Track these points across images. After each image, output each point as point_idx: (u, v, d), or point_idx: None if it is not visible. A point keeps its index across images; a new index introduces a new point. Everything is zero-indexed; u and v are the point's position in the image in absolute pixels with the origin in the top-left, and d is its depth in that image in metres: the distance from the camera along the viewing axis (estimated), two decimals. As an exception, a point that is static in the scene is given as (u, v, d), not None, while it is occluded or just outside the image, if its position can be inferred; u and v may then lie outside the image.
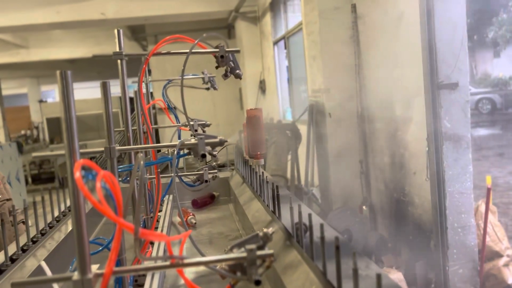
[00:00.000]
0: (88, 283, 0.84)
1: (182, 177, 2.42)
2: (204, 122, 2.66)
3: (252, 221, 2.13)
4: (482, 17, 11.08)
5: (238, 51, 1.69)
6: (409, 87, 3.39)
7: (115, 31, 1.58)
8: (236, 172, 3.17)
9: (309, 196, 3.47)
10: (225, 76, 1.75)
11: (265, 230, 1.07)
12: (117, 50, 1.58)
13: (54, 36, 11.23)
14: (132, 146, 1.28)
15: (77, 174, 0.75)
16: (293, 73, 7.19)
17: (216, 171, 2.33)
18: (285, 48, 7.47)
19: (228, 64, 1.73)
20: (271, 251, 1.00)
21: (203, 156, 1.33)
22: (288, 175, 4.76)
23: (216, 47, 1.68)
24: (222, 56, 1.62)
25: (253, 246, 0.98)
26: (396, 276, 2.95)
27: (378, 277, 0.87)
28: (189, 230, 1.00)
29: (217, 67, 1.74)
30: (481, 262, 3.15)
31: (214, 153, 1.50)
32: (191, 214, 2.53)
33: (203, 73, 2.95)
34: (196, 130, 2.45)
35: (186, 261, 0.95)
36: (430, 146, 3.08)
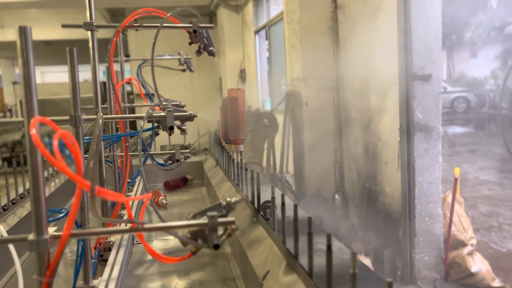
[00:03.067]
0: (44, 244, 0.83)
1: (154, 158, 2.40)
2: (178, 103, 2.63)
3: (226, 196, 2.14)
4: (461, 17, 11.28)
5: (211, 27, 1.68)
6: (384, 78, 3.43)
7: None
8: (210, 156, 3.17)
9: (283, 183, 3.50)
10: (198, 52, 1.74)
11: (228, 199, 1.08)
12: (88, 20, 1.55)
13: (30, 16, 10.91)
14: (109, 116, 1.27)
15: (33, 130, 0.74)
16: (274, 64, 7.18)
17: (188, 151, 2.32)
18: (266, 38, 7.45)
19: (201, 41, 1.71)
20: (232, 218, 1.01)
21: (171, 128, 1.33)
22: (264, 163, 4.78)
23: (190, 23, 1.66)
24: (195, 31, 1.60)
25: (214, 213, 0.99)
26: (364, 262, 3.01)
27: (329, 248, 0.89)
28: (149, 193, 1.00)
29: (190, 43, 1.73)
30: (446, 250, 3.24)
31: (184, 127, 1.50)
32: (162, 195, 2.53)
33: (179, 54, 2.92)
34: (169, 111, 2.43)
35: (146, 225, 0.96)
36: (402, 136, 3.14)
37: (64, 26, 1.59)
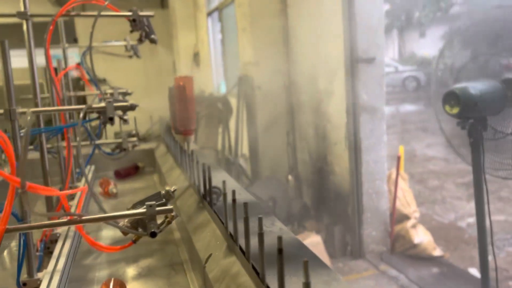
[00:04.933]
0: (-23, 239, 0.84)
1: (103, 146, 2.38)
2: (125, 91, 2.61)
3: (177, 184, 2.17)
4: (409, -1, 11.64)
5: (151, 16, 1.68)
6: (332, 61, 3.53)
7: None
8: (161, 143, 3.17)
9: (236, 166, 3.55)
10: (140, 41, 1.73)
11: (167, 188, 1.11)
12: (22, 9, 1.51)
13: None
14: (35, 109, 1.25)
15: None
16: (228, 47, 7.15)
17: (135, 139, 2.32)
18: (219, 20, 7.39)
19: (142, 29, 1.71)
20: (170, 207, 1.05)
21: (111, 119, 1.33)
22: (219, 147, 4.81)
23: (130, 11, 1.65)
24: (134, 20, 1.60)
25: (152, 202, 1.02)
26: (315, 239, 3.14)
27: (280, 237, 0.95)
28: (84, 186, 1.01)
29: (131, 31, 1.72)
30: (391, 224, 3.43)
31: (125, 117, 1.51)
32: (112, 183, 2.51)
33: (125, 39, 2.86)
34: (115, 99, 2.40)
35: (84, 217, 0.98)
36: (349, 117, 3.26)
37: (-3, 15, 1.54)
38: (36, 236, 1.46)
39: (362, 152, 3.26)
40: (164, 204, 1.08)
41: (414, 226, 3.47)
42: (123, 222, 1.05)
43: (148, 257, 1.63)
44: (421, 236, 3.42)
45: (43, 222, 0.96)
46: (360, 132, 3.24)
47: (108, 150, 2.33)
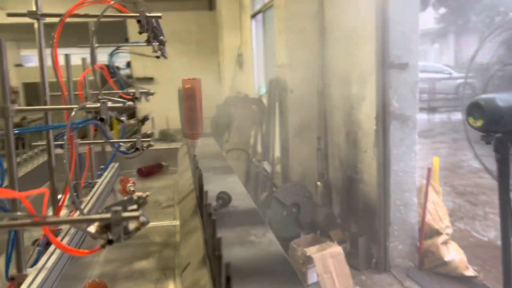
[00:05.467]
0: None
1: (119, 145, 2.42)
2: (147, 91, 2.64)
3: (180, 189, 2.17)
4: (467, 2, 11.05)
5: (159, 17, 1.67)
6: (364, 66, 3.40)
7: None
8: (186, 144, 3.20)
9: (259, 170, 3.51)
10: (148, 42, 1.74)
11: (140, 193, 1.09)
12: (33, 8, 1.55)
13: (30, -1, 10.91)
14: (31, 107, 1.28)
15: None
16: (269, 50, 7.13)
17: (150, 139, 2.34)
18: (262, 22, 7.38)
19: (151, 30, 1.71)
20: (136, 213, 1.02)
21: (102, 120, 1.33)
22: (251, 149, 4.79)
23: (138, 12, 1.66)
24: (139, 21, 1.60)
25: (118, 208, 1.00)
26: (335, 249, 3.04)
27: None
28: (45, 188, 1.01)
29: (140, 33, 1.72)
30: (420, 239, 3.26)
31: (122, 118, 1.51)
32: (131, 182, 2.55)
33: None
34: (136, 98, 2.45)
35: (49, 219, 0.97)
36: (378, 125, 3.13)
37: (9, 15, 1.59)
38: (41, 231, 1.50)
39: (390, 161, 3.11)
40: (136, 210, 1.06)
41: (445, 243, 3.27)
42: (94, 226, 1.04)
43: (144, 259, 1.63)
44: (452, 254, 3.22)
45: (7, 222, 0.97)
46: (389, 140, 3.10)
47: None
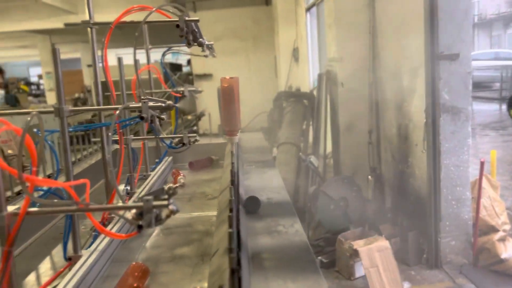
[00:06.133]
0: (1, 219, 1.01)
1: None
2: (195, 89, 2.80)
3: (223, 182, 2.29)
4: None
5: (197, 21, 1.78)
6: (414, 57, 3.32)
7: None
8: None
9: (307, 164, 3.55)
10: (188, 44, 1.85)
11: (170, 185, 1.20)
12: (87, 18, 1.73)
13: (101, 2, 11.65)
14: (83, 108, 1.44)
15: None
16: (323, 43, 7.10)
17: (195, 135, 2.49)
18: (317, 15, 7.35)
19: (191, 33, 1.83)
20: (164, 202, 1.14)
21: (142, 118, 1.47)
22: (302, 144, 4.84)
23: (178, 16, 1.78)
24: (177, 26, 1.72)
25: (150, 197, 1.12)
26: (383, 243, 3.02)
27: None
28: (86, 179, 1.15)
29: (181, 36, 1.85)
30: (474, 235, 3.14)
31: (162, 116, 1.64)
32: (181, 174, 2.72)
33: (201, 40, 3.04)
34: (184, 95, 2.61)
35: (91, 206, 1.12)
36: (428, 118, 3.05)
37: (66, 25, 1.78)
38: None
39: (441, 155, 3.03)
40: (167, 199, 1.17)
41: (502, 239, 3.13)
42: (130, 214, 1.17)
43: (185, 245, 1.76)
44: (510, 251, 3.07)
45: (53, 208, 1.12)
46: (439, 134, 3.01)
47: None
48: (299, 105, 5.03)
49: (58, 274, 1.45)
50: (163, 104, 1.56)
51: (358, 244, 3.07)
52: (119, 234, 1.19)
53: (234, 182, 1.52)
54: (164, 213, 1.17)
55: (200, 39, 1.83)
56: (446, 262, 3.17)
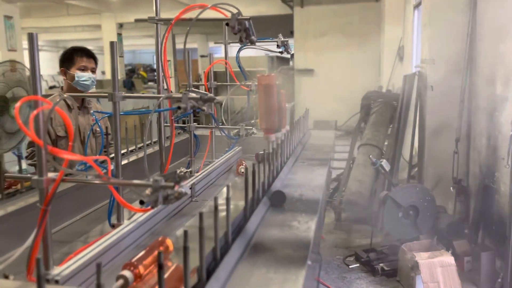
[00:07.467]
0: (40, 183, 1.23)
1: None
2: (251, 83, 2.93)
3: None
4: None
5: (249, 19, 1.88)
6: (509, 63, 3.02)
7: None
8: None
9: (377, 167, 3.42)
10: (240, 41, 1.96)
11: (182, 169, 1.33)
12: (154, 15, 1.93)
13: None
14: (133, 94, 1.64)
15: (17, 104, 1.13)
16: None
17: (251, 127, 2.60)
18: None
19: (244, 31, 1.94)
20: (171, 184, 1.27)
21: (179, 108, 1.61)
22: (386, 147, 4.68)
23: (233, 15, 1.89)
24: (227, 24, 1.83)
25: (159, 177, 1.26)
26: (447, 259, 2.83)
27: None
28: (105, 156, 1.32)
29: (235, 33, 1.96)
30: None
31: (204, 108, 1.77)
32: (244, 164, 2.86)
33: (278, 37, 3.17)
34: (251, 90, 2.75)
35: (112, 180, 1.30)
36: (515, 130, 2.77)
37: (137, 20, 2.00)
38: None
39: (526, 172, 2.73)
40: (177, 182, 1.30)
41: None
42: (148, 190, 1.33)
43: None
44: None
45: (80, 179, 1.31)
46: (526, 148, 2.71)
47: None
48: (387, 106, 4.86)
49: (102, 237, 1.68)
50: (201, 96, 1.70)
51: (421, 257, 2.92)
52: (136, 208, 1.35)
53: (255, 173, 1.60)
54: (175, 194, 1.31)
55: (252, 37, 1.92)
56: (523, 290, 2.86)
